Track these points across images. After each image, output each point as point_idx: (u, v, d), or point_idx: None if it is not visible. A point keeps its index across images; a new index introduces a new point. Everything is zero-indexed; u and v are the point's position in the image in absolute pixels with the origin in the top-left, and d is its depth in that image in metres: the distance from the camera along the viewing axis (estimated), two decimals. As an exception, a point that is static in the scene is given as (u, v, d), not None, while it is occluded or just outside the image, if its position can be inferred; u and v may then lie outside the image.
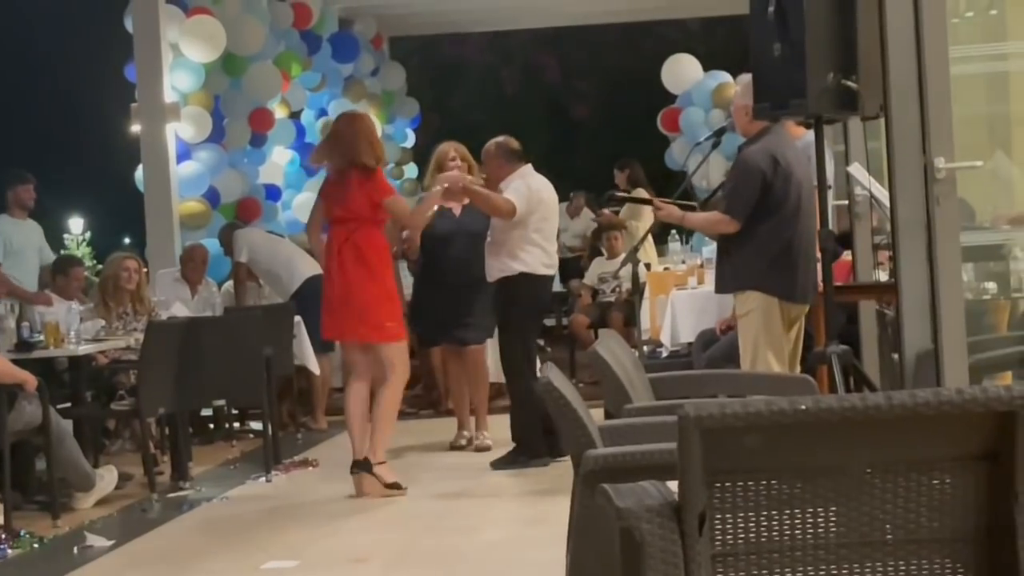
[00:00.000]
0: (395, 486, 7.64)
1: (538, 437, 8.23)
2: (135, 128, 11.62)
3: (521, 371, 8.28)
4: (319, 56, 14.03)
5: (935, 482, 2.72)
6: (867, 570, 2.75)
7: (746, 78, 6.93)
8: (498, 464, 8.31)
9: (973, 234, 6.18)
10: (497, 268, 8.39)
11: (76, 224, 48.04)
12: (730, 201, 6.79)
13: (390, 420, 7.75)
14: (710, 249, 10.36)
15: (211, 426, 10.40)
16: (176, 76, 11.66)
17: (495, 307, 8.57)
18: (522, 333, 8.41)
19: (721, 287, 7.05)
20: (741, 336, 6.84)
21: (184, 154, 11.82)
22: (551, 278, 8.73)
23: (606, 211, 13.48)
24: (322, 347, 10.05)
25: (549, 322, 13.01)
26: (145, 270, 10.24)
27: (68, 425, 7.70)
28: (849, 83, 5.93)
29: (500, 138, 8.64)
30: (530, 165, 8.50)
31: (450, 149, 8.94)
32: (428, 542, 6.56)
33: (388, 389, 7.70)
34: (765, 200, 6.69)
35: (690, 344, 9.55)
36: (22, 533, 6.91)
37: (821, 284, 6.42)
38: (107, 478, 7.79)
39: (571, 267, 14.60)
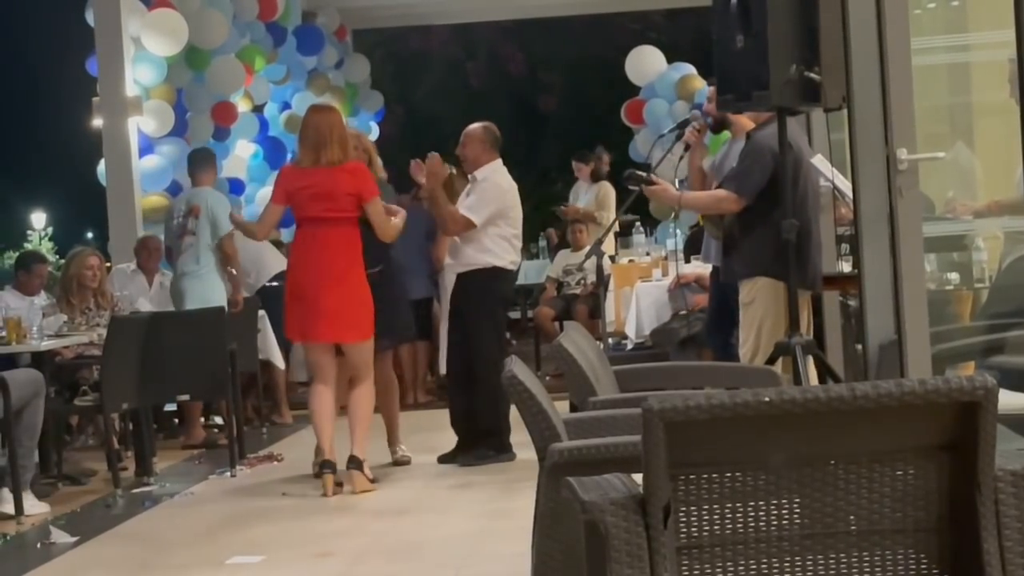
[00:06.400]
0: (374, 481, 7.67)
1: (505, 432, 8.23)
2: (97, 122, 11.55)
3: (497, 365, 8.04)
4: (283, 49, 13.97)
5: (898, 472, 2.73)
6: (831, 561, 2.75)
7: None
8: (466, 460, 8.26)
9: (936, 225, 6.21)
10: (461, 262, 8.36)
11: (38, 219, 47.81)
12: (739, 180, 6.74)
13: (371, 417, 7.79)
14: (674, 242, 10.39)
15: (175, 421, 10.35)
16: (138, 70, 11.59)
17: (461, 302, 8.47)
18: (498, 325, 8.38)
19: (729, 276, 7.00)
20: (744, 323, 6.79)
21: (147, 148, 11.75)
22: (516, 273, 8.71)
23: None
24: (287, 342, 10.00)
25: (514, 315, 13.01)
26: (108, 264, 10.18)
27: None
28: (812, 75, 5.93)
29: (486, 123, 8.58)
30: (500, 160, 8.49)
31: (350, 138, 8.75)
32: (392, 536, 6.54)
33: (369, 386, 7.78)
34: (776, 184, 6.64)
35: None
36: (-16, 530, 6.87)
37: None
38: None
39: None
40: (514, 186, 8.51)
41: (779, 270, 6.57)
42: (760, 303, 6.68)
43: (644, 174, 7.12)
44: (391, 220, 7.80)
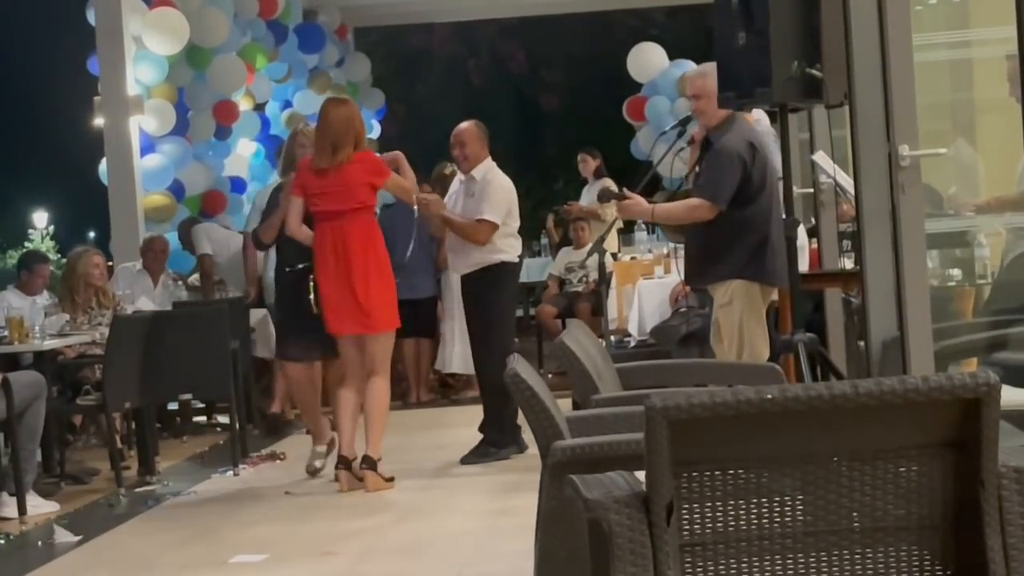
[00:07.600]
0: (390, 480, 7.61)
1: (511, 429, 8.22)
2: (98, 121, 11.56)
3: (504, 362, 7.97)
4: (285, 47, 13.98)
5: (902, 469, 2.73)
6: (835, 558, 2.75)
7: (713, 65, 6.87)
8: (467, 459, 8.25)
9: (938, 221, 6.21)
10: (468, 261, 8.32)
11: (40, 218, 47.83)
12: (711, 187, 6.70)
13: (387, 414, 7.75)
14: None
15: (178, 420, 10.36)
16: (139, 69, 11.60)
17: (470, 298, 8.43)
18: (510, 321, 8.39)
19: (699, 280, 6.98)
20: (723, 325, 6.78)
21: (148, 147, 11.76)
22: (520, 263, 8.72)
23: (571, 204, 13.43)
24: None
25: (516, 313, 13.00)
26: (109, 264, 10.19)
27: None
28: (813, 71, 5.94)
29: (475, 120, 8.46)
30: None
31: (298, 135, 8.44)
32: (396, 534, 6.54)
33: (386, 381, 7.70)
34: (745, 188, 6.64)
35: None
36: (-13, 529, 6.87)
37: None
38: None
39: None
40: (510, 181, 8.50)
41: (752, 272, 6.64)
42: (737, 303, 6.67)
43: (615, 190, 7.13)
44: (406, 184, 7.80)
